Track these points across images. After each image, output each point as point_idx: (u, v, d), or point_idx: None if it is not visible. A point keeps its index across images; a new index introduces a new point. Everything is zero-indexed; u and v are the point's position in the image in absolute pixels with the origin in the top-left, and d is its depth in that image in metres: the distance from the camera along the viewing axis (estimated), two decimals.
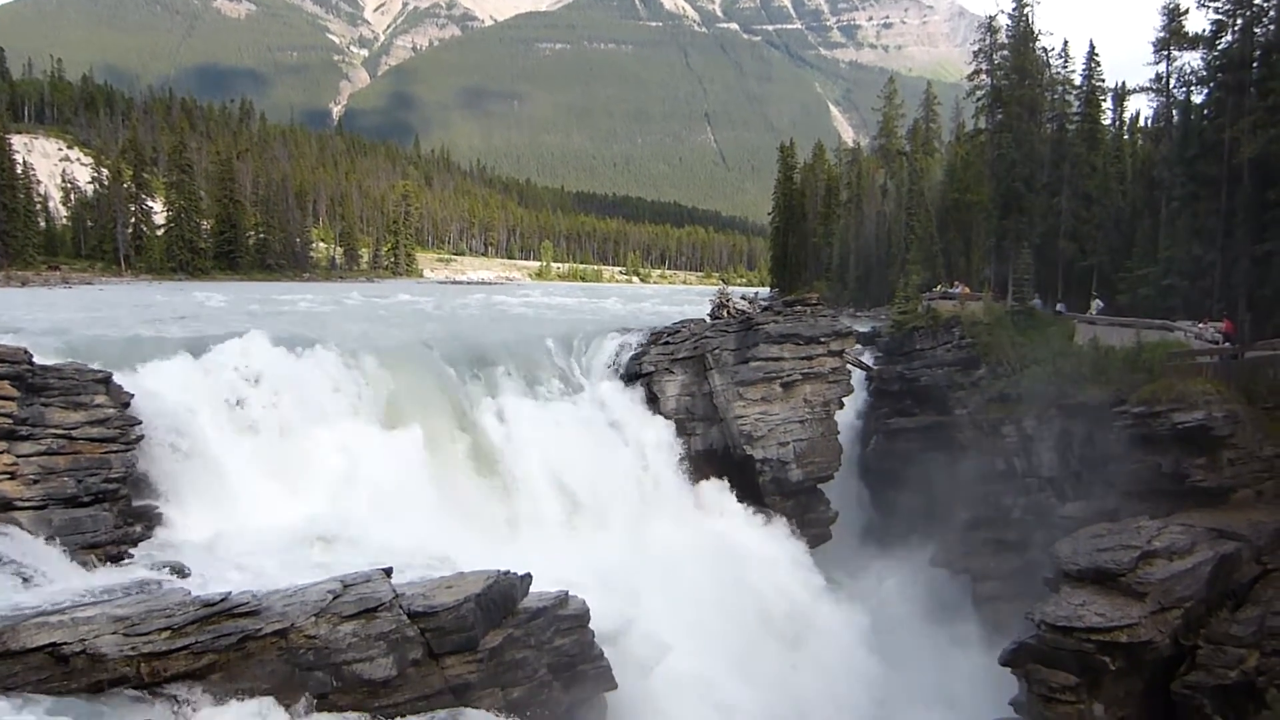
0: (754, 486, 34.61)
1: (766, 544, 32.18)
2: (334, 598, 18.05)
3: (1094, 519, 26.58)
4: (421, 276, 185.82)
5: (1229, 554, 22.95)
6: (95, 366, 23.37)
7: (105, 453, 21.81)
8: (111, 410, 22.35)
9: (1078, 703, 21.76)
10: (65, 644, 15.26)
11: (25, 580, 17.81)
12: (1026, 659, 22.98)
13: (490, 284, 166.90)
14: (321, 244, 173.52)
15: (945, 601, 32.78)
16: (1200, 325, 31.63)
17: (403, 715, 17.40)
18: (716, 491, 33.97)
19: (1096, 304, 39.71)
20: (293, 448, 26.04)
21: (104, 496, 21.58)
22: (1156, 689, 22.02)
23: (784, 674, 27.87)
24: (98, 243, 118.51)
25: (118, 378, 23.56)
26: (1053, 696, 22.09)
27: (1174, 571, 22.50)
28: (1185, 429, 25.77)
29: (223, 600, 16.92)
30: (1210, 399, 26.12)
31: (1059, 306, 41.33)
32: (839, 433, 36.86)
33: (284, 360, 28.06)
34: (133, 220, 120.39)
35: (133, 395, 23.50)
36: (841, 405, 37.48)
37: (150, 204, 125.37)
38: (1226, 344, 29.78)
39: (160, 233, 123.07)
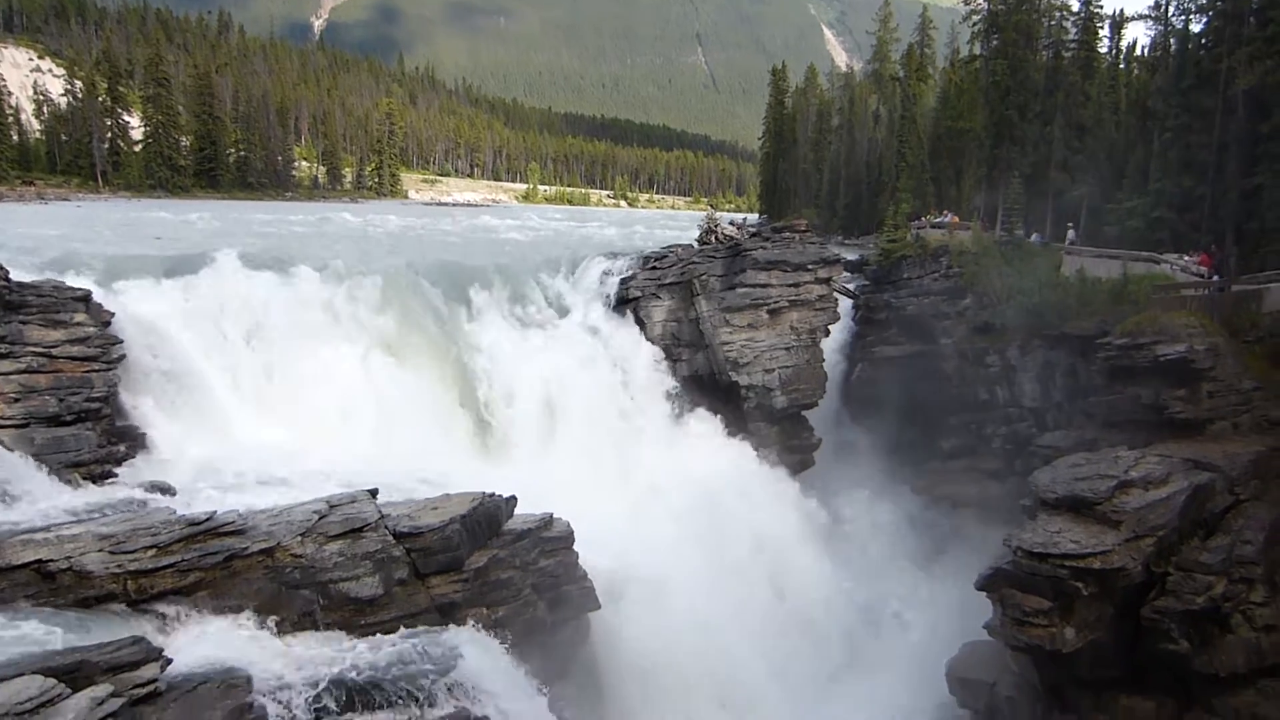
0: (739, 413, 34.82)
1: (750, 469, 32.48)
2: (320, 518, 18.22)
3: (1073, 449, 26.95)
4: (406, 198, 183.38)
5: (1203, 484, 23.33)
6: (74, 284, 23.08)
7: (87, 372, 21.68)
8: (92, 329, 22.14)
9: (1050, 626, 22.29)
10: (51, 561, 15.38)
11: (9, 498, 17.85)
12: (1002, 584, 23.46)
13: (476, 206, 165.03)
14: (304, 163, 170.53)
15: (925, 528, 33.35)
16: (1186, 258, 31.66)
17: (389, 633, 17.64)
18: (702, 417, 34.16)
19: (1070, 234, 39.53)
20: (278, 371, 25.96)
21: (86, 416, 21.51)
22: (1126, 614, 22.58)
23: (764, 597, 28.41)
24: (73, 158, 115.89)
25: (98, 296, 23.29)
26: (1026, 620, 22.61)
27: (1149, 501, 22.89)
28: (1167, 361, 25.96)
29: (208, 519, 17.01)
30: (1193, 332, 26.28)
31: (1034, 237, 41.12)
32: (824, 360, 37.00)
33: (270, 282, 27.79)
34: (109, 135, 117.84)
35: (113, 314, 23.27)
36: (828, 333, 37.57)
37: (127, 119, 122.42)
38: (1210, 278, 29.85)
39: (138, 149, 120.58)
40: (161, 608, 15.92)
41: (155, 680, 13.34)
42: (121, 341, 22.84)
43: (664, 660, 23.32)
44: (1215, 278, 29.31)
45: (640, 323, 35.32)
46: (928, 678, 27.31)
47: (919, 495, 35.20)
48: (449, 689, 16.27)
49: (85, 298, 22.61)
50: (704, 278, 35.41)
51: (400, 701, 15.78)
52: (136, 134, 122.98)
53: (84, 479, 20.34)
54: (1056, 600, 22.39)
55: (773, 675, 26.60)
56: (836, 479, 36.68)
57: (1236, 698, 22.01)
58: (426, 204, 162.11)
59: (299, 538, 17.64)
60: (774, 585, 29.01)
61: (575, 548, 21.46)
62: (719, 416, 34.35)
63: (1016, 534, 23.47)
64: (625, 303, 35.62)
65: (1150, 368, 26.41)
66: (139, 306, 24.42)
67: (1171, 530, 22.57)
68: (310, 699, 15.24)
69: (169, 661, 14.01)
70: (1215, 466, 23.90)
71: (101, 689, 12.41)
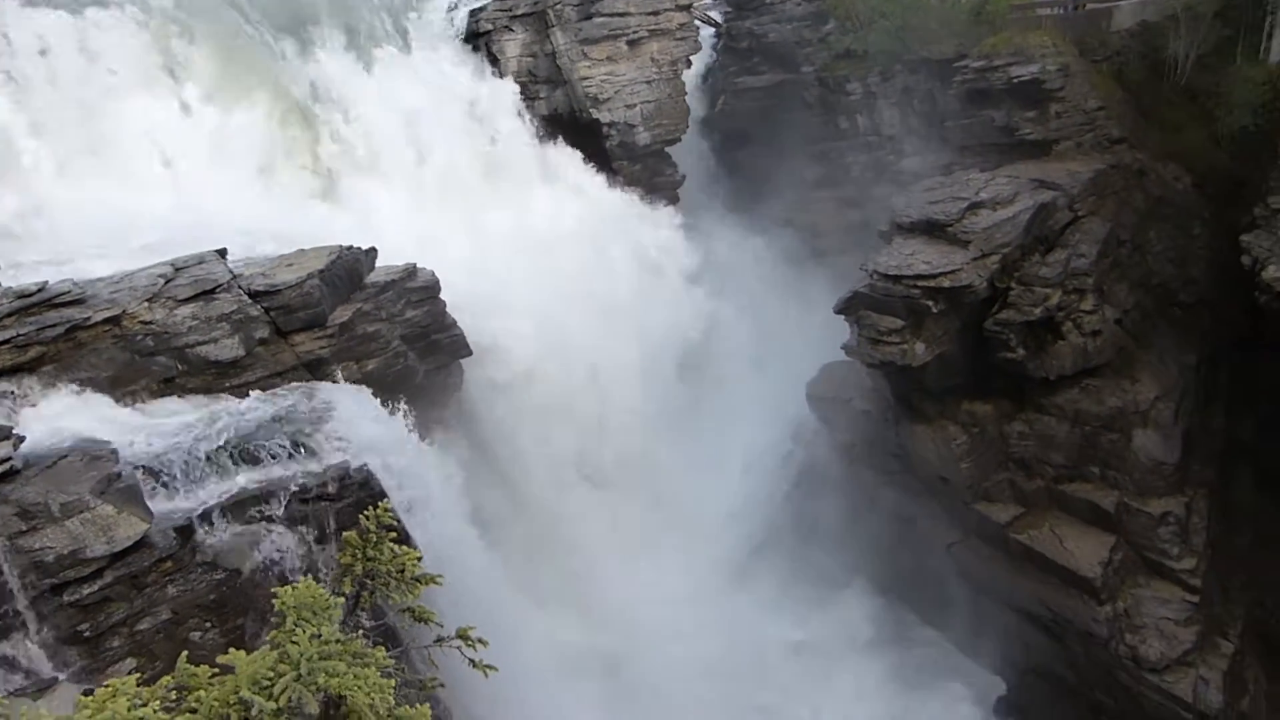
0: (601, 151, 33.95)
1: (616, 206, 32.06)
2: (166, 281, 17.27)
3: (929, 174, 27.67)
4: None
5: (1046, 202, 24.45)
6: None
7: None
8: None
9: (902, 343, 23.75)
10: None
11: None
12: (859, 306, 24.63)
13: None
14: None
15: (789, 256, 34.18)
16: None
17: (260, 391, 17.30)
18: (562, 157, 33.15)
19: None
20: (93, 124, 23.36)
21: None
22: (971, 328, 24.18)
23: (635, 326, 28.69)
24: None
25: None
26: (880, 339, 23.98)
27: (996, 220, 23.97)
28: (1019, 83, 26.43)
29: (40, 290, 15.85)
30: (1046, 52, 26.62)
31: None
32: (686, 94, 35.99)
33: (62, 22, 24.29)
34: None
35: None
36: (689, 64, 36.28)
37: None
38: None
39: None
40: (4, 385, 15.03)
41: (9, 459, 12.82)
42: None
43: (542, 394, 23.91)
44: None
45: (493, 59, 33.22)
46: (789, 398, 29.03)
47: (783, 226, 35.85)
48: (327, 442, 16.31)
49: None
50: (559, 7, 33.17)
51: (278, 457, 15.74)
52: None
53: None
54: (909, 319, 23.72)
55: (648, 399, 27.70)
56: (702, 213, 36.72)
57: (1062, 396, 24.29)
58: None
59: (146, 304, 16.72)
60: (646, 317, 29.40)
61: (442, 296, 21.08)
62: (581, 155, 33.40)
63: (873, 257, 24.42)
64: (477, 36, 33.25)
65: (1004, 90, 26.87)
66: None
67: (1016, 247, 23.83)
68: (184, 463, 15.02)
69: (22, 439, 13.42)
70: (1058, 185, 24.99)
71: None
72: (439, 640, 8.82)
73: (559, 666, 21.11)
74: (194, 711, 5.98)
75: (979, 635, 26.74)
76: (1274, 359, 23.99)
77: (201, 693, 6.03)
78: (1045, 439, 24.44)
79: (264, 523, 15.17)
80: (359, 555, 8.15)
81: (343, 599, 7.78)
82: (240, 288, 17.72)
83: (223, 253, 18.54)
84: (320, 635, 6.59)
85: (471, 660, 8.61)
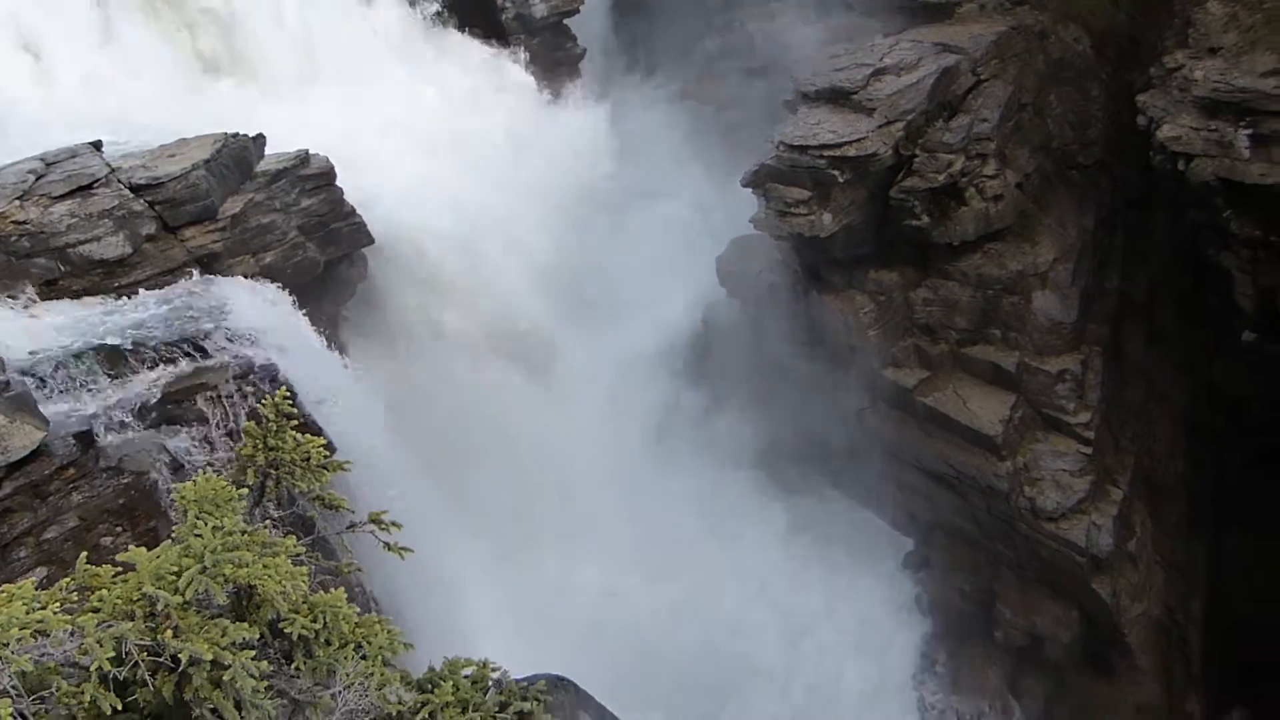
0: (497, 25, 32.57)
1: (514, 84, 30.94)
2: (37, 178, 16.36)
3: (833, 41, 27.34)
4: None
5: (950, 67, 24.46)
6: None
7: None
8: None
9: (809, 215, 23.89)
10: None
11: None
12: (766, 179, 24.59)
13: None
14: None
15: (697, 130, 33.69)
16: None
17: (151, 290, 16.60)
18: (456, 35, 31.69)
19: None
20: None
21: None
22: (876, 197, 24.39)
23: (543, 202, 28.17)
24: None
25: None
26: (788, 211, 24.08)
27: (900, 86, 23.96)
28: None
29: None
30: None
31: None
32: None
33: None
34: None
35: None
36: None
37: None
38: None
39: None
40: None
41: None
42: None
43: (444, 275, 23.54)
44: None
45: None
46: (699, 275, 29.09)
47: (687, 100, 35.26)
48: (227, 338, 15.83)
49: None
50: None
51: (176, 356, 15.25)
52: None
53: None
54: (815, 190, 23.81)
55: (559, 279, 27.46)
56: (603, 86, 35.66)
57: (965, 262, 24.85)
58: None
59: (16, 203, 15.82)
60: (555, 196, 28.80)
61: (338, 183, 20.29)
62: (476, 32, 31.97)
63: (779, 128, 24.30)
64: None
65: None
66: None
67: (920, 114, 23.91)
68: (78, 367, 14.47)
69: None
70: (961, 49, 24.96)
71: None
72: (351, 526, 8.80)
73: (475, 536, 21.47)
74: (97, 611, 5.85)
75: (888, 497, 27.94)
76: (1166, 219, 24.86)
77: (104, 592, 5.90)
78: (949, 304, 25.09)
79: (168, 424, 14.81)
80: (260, 445, 7.99)
81: (246, 490, 7.64)
82: (120, 182, 16.78)
83: (97, 145, 17.49)
84: (223, 527, 6.47)
85: (386, 544, 8.63)
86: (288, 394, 8.24)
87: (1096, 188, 25.80)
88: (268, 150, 19.84)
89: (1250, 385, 25.21)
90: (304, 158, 19.93)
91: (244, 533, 6.68)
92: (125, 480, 13.98)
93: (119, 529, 13.91)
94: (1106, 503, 24.60)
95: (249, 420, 8.31)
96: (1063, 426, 24.61)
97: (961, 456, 24.97)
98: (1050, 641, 25.40)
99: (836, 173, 23.44)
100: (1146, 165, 22.34)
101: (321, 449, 8.25)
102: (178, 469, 14.53)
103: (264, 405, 8.14)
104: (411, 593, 16.69)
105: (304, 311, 18.00)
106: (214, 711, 6.02)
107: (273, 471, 8.01)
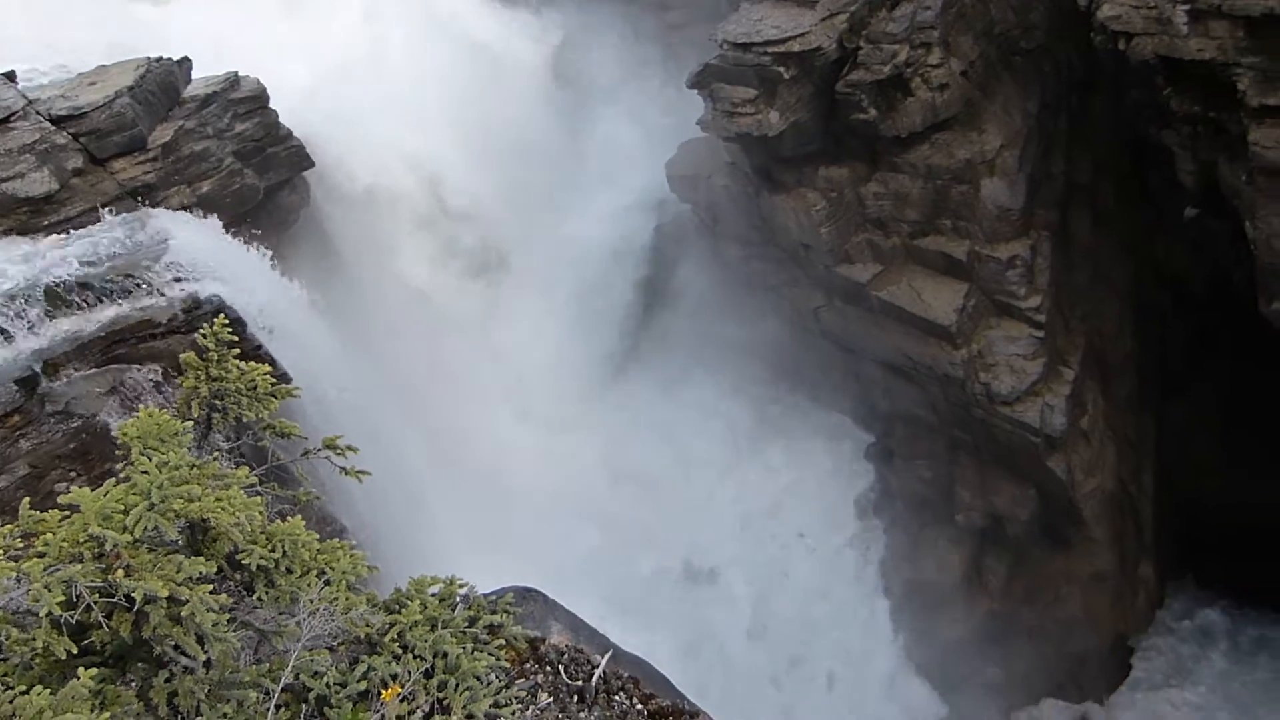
0: None
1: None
2: None
3: None
4: None
5: None
6: None
7: None
8: None
9: (756, 114, 23.61)
10: None
11: None
12: (711, 79, 24.20)
13: None
14: None
15: (639, 34, 32.84)
16: None
17: (83, 227, 16.08)
18: None
19: None
20: None
21: None
22: (823, 92, 24.10)
23: (494, 125, 27.59)
24: None
25: None
26: (735, 111, 23.77)
27: None
28: None
29: None
30: None
31: None
32: None
33: None
34: None
35: None
36: None
37: None
38: None
39: None
40: None
41: None
42: None
43: (391, 187, 23.18)
44: None
45: None
46: (649, 180, 28.75)
47: (629, 2, 34.24)
48: (168, 272, 15.44)
49: None
50: None
51: (117, 294, 14.88)
52: None
53: None
54: (761, 88, 23.48)
55: (509, 190, 27.10)
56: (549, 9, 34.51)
57: (914, 153, 24.75)
58: None
59: None
60: (498, 113, 28.11)
61: (271, 105, 19.65)
62: None
63: (722, 26, 23.80)
64: None
65: None
66: None
67: (863, 4, 23.52)
68: (12, 311, 14.05)
69: None
70: None
71: None
72: (305, 453, 8.76)
73: (432, 460, 21.60)
74: (43, 555, 5.81)
75: (848, 392, 28.39)
76: (1107, 101, 24.85)
77: (50, 535, 5.84)
78: (900, 197, 25.10)
79: (114, 364, 14.53)
80: (202, 376, 7.85)
81: (192, 424, 7.55)
82: (39, 113, 16.08)
83: (10, 75, 16.71)
84: (169, 462, 6.41)
85: (343, 469, 8.61)
86: (226, 322, 8.07)
87: (1040, 72, 25.64)
88: (195, 74, 19.13)
89: (1191, 263, 25.72)
90: (234, 80, 19.28)
91: (193, 466, 6.63)
92: (75, 424, 13.80)
93: (73, 474, 13.76)
94: (1059, 383, 25.17)
95: (189, 352, 8.10)
96: (1014, 311, 24.98)
97: (918, 347, 25.33)
98: (1009, 520, 26.28)
99: (782, 69, 23.10)
100: (1088, 47, 22.24)
101: (268, 376, 8.14)
102: (130, 409, 14.32)
103: (204, 335, 7.97)
104: (376, 516, 16.78)
105: (247, 240, 17.57)
106: (176, 648, 6.05)
107: (218, 402, 7.91)
